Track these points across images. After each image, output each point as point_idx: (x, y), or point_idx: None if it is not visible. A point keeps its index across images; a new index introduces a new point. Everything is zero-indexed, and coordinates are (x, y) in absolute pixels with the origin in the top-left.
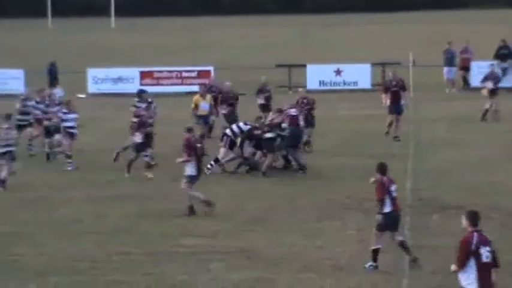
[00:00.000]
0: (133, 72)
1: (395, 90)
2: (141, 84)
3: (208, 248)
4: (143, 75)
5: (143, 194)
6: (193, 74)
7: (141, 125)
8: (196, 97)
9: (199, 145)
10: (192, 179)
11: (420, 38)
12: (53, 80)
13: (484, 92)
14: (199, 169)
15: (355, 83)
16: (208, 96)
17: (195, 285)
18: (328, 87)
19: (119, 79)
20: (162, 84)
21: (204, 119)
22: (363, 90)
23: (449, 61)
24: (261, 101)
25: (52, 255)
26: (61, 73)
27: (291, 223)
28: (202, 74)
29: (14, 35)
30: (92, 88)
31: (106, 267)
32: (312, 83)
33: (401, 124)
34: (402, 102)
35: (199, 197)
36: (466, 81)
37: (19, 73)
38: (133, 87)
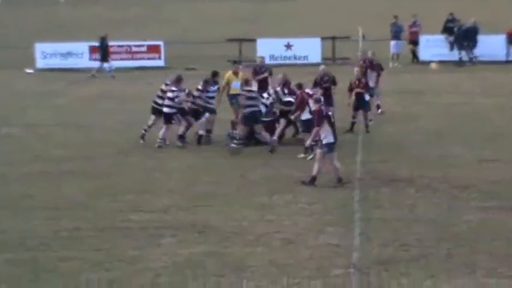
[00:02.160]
0: (83, 47)
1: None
2: (91, 59)
3: (160, 223)
4: (93, 49)
5: (95, 171)
6: (143, 49)
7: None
8: (229, 74)
9: (330, 113)
10: (330, 147)
11: (369, 12)
12: (105, 55)
13: (433, 65)
14: (335, 135)
15: (306, 57)
16: (241, 74)
17: (146, 260)
18: (279, 62)
19: (68, 54)
20: (112, 59)
21: (237, 99)
22: (313, 65)
23: (396, 35)
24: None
25: (2, 232)
26: (9, 48)
27: (242, 197)
28: (152, 49)
29: None
30: (40, 63)
31: (56, 244)
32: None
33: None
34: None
35: (338, 168)
36: (415, 55)
37: None
38: (82, 62)
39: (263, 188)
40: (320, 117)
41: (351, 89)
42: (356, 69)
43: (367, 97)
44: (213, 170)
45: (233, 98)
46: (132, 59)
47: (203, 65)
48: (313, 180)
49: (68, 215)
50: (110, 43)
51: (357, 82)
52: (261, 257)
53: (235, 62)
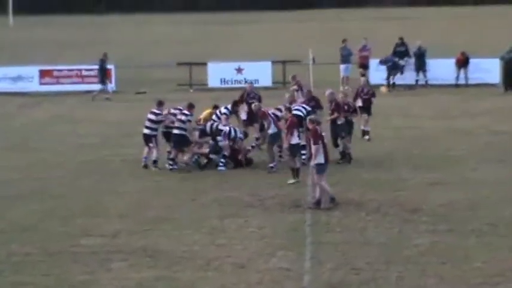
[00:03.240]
0: (33, 70)
1: (366, 98)
2: (41, 84)
3: (110, 247)
4: (43, 73)
5: (44, 194)
6: (94, 73)
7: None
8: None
9: (324, 133)
10: (321, 168)
11: (319, 36)
12: (104, 76)
13: (383, 89)
14: (327, 157)
15: (257, 80)
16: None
17: (96, 284)
18: (230, 85)
19: (18, 78)
20: (62, 83)
21: None
22: (265, 88)
23: (346, 58)
24: (243, 116)
25: None
26: None
27: (193, 221)
28: None
29: None
30: None
31: (6, 268)
32: (214, 81)
33: None
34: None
35: (328, 191)
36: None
37: None
38: (32, 85)
39: (214, 212)
40: (316, 137)
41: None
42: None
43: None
44: (165, 193)
45: None
46: (83, 82)
47: (153, 89)
48: (318, 203)
49: (17, 239)
50: (59, 67)
51: (345, 107)
52: (211, 281)
53: (215, 107)
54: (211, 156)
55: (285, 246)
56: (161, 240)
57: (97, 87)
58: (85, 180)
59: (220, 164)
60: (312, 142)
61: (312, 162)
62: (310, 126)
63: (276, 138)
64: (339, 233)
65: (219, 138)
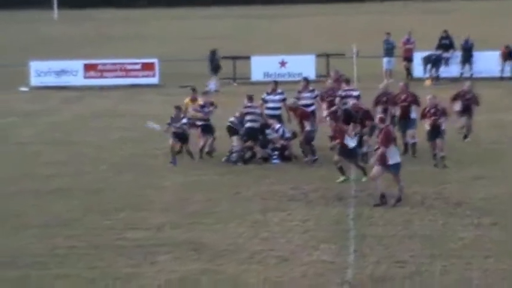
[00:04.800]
0: (77, 64)
1: (467, 104)
2: (85, 77)
3: (154, 240)
4: (87, 67)
5: (87, 188)
6: (138, 67)
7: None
8: (187, 101)
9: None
10: (398, 167)
11: (363, 29)
12: (215, 68)
13: (427, 82)
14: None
15: (300, 74)
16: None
17: (141, 278)
18: (273, 79)
19: (62, 72)
20: (106, 77)
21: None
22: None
23: (389, 52)
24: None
25: None
26: (2, 66)
27: (237, 214)
28: (146, 67)
29: None
30: (34, 81)
31: (50, 261)
32: (257, 75)
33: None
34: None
35: (380, 189)
36: (409, 71)
37: None
38: (76, 79)
39: (257, 205)
40: (388, 138)
41: (423, 116)
42: (429, 97)
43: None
44: (207, 187)
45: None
46: (126, 76)
47: (197, 83)
48: (383, 198)
49: (62, 233)
50: (103, 61)
51: (431, 110)
52: (255, 274)
53: (193, 90)
54: (258, 150)
55: (328, 240)
56: (205, 233)
57: (140, 81)
58: (128, 175)
59: (274, 157)
60: (383, 142)
61: (386, 163)
62: (382, 126)
63: (312, 135)
64: (383, 226)
65: (268, 131)
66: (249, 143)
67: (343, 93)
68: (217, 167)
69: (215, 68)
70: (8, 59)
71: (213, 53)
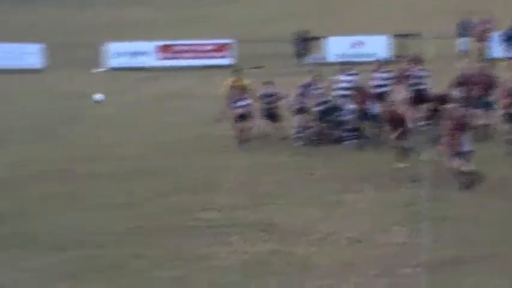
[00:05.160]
0: (151, 46)
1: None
2: (159, 59)
3: (226, 221)
4: (161, 48)
5: (159, 169)
6: (212, 48)
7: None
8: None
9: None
10: (469, 153)
11: (440, 9)
12: (302, 51)
13: (503, 63)
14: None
15: (374, 55)
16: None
17: (214, 258)
18: (348, 60)
19: (137, 53)
20: (179, 58)
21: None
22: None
23: (465, 32)
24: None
25: (71, 229)
26: (79, 47)
27: (308, 195)
28: (220, 48)
29: (32, 9)
30: (111, 62)
31: (125, 241)
32: (332, 55)
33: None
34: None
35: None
36: (485, 52)
37: (36, 48)
38: (150, 60)
39: (329, 186)
40: (461, 123)
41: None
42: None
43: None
44: (277, 168)
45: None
46: (200, 57)
47: (271, 64)
48: (461, 179)
49: (136, 213)
50: (177, 42)
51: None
52: (327, 255)
53: (236, 71)
54: (332, 131)
55: (401, 221)
56: (276, 214)
57: (214, 62)
58: (199, 155)
59: (347, 138)
60: (456, 128)
61: (459, 149)
62: (456, 110)
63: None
64: (456, 209)
65: (341, 112)
66: (319, 124)
67: (417, 74)
68: (287, 149)
69: (304, 50)
70: (86, 41)
71: (302, 35)
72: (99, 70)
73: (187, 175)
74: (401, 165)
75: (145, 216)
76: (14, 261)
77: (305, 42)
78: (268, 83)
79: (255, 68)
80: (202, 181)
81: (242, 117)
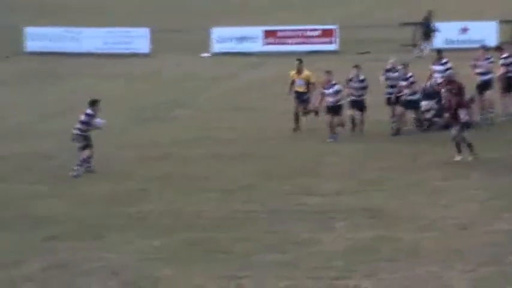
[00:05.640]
0: (257, 31)
1: None
2: (265, 44)
3: (331, 206)
4: (267, 34)
5: (265, 153)
6: (317, 33)
7: None
8: (292, 73)
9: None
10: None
11: None
12: (427, 35)
13: None
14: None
15: (482, 41)
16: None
17: (319, 243)
18: (455, 46)
19: (243, 38)
20: (285, 43)
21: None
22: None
23: None
24: None
25: (178, 212)
26: (185, 32)
27: (414, 182)
28: (325, 33)
29: None
30: (216, 47)
31: (230, 224)
32: (438, 41)
33: None
34: None
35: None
36: None
37: (145, 32)
38: (256, 46)
39: (435, 173)
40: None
41: None
42: None
43: None
44: (383, 155)
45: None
46: (305, 43)
47: (376, 50)
48: None
49: (241, 197)
50: (283, 27)
51: None
52: (434, 242)
53: (299, 61)
54: (435, 119)
55: (510, 209)
56: (382, 200)
57: (319, 47)
58: (304, 141)
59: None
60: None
61: None
62: None
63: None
64: None
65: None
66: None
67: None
68: (390, 136)
69: (427, 33)
70: (191, 25)
71: (427, 17)
72: (205, 55)
73: (289, 160)
74: (458, 157)
75: (252, 200)
76: (123, 243)
77: (429, 26)
78: (357, 66)
79: (362, 53)
80: (307, 167)
81: (331, 109)
